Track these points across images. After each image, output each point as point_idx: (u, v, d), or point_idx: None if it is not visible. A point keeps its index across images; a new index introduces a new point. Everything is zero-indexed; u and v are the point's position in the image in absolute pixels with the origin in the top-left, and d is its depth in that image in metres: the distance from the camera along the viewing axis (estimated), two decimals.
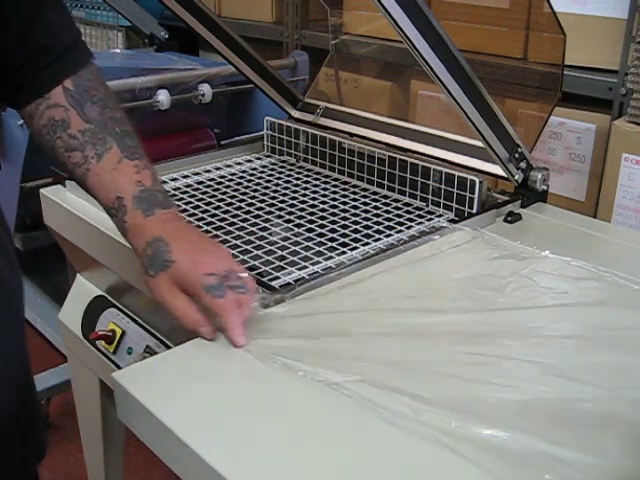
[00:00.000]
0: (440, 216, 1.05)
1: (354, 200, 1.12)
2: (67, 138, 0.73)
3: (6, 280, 0.68)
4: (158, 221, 0.73)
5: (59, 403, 1.86)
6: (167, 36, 2.22)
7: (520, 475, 0.54)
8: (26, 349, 0.72)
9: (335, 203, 1.11)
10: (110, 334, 1.05)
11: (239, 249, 0.94)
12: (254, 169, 1.27)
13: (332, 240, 0.98)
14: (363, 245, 0.95)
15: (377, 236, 0.98)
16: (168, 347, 0.95)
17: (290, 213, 1.07)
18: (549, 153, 1.43)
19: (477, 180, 1.02)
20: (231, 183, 1.19)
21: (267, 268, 0.89)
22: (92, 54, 0.77)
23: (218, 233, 0.99)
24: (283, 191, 1.16)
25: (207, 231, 0.99)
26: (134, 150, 0.76)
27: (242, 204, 1.10)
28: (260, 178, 1.22)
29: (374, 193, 1.15)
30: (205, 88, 1.61)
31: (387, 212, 1.07)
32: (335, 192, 1.15)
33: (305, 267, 0.89)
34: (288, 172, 1.25)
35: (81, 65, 0.75)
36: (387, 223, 1.03)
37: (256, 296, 0.75)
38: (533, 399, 0.63)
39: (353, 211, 1.08)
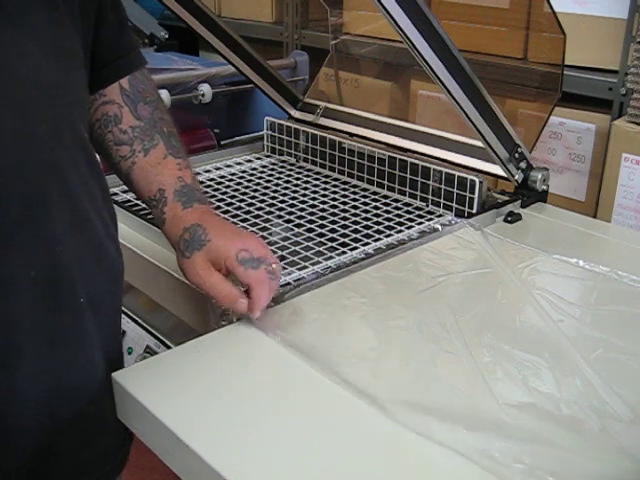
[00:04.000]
0: (440, 216, 1.05)
1: (354, 200, 1.12)
2: (118, 132, 0.77)
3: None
4: (196, 212, 0.76)
5: None
6: (167, 36, 2.21)
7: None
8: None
9: (335, 203, 1.11)
10: None
11: None
12: (254, 169, 1.27)
13: (332, 240, 0.98)
14: (363, 245, 0.95)
15: (377, 236, 0.98)
16: (168, 347, 0.95)
17: (290, 213, 1.07)
18: (549, 153, 1.43)
19: (477, 180, 1.03)
20: (231, 183, 1.19)
21: None
22: (146, 60, 0.80)
23: None
24: (283, 191, 1.16)
25: None
26: (178, 150, 0.80)
27: (242, 204, 1.10)
28: (260, 178, 1.22)
29: (374, 193, 1.15)
30: (205, 88, 1.60)
31: (387, 212, 1.07)
32: (335, 192, 1.15)
33: (305, 267, 0.89)
34: (288, 172, 1.25)
35: (137, 67, 0.78)
36: (387, 223, 1.03)
37: None
38: (541, 401, 0.63)
39: (353, 211, 1.08)
